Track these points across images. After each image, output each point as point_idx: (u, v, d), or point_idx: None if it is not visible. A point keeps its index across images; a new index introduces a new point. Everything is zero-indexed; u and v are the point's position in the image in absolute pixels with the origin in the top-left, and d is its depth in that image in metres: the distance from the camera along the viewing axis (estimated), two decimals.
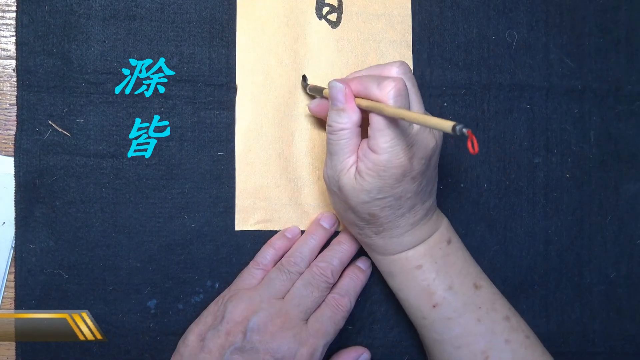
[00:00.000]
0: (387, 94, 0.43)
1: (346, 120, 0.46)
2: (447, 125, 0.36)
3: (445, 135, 0.56)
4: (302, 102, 0.55)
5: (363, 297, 0.55)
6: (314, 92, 0.53)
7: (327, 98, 0.50)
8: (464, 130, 0.35)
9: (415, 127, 0.45)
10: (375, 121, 0.44)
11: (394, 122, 0.43)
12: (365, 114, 0.46)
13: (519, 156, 0.57)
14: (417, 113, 0.40)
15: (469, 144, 0.36)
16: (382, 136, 0.44)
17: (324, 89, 0.51)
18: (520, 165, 0.57)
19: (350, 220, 0.50)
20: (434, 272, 0.49)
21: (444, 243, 0.50)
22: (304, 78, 0.55)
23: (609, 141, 0.59)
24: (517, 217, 0.57)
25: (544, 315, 0.57)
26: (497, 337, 0.49)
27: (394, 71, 0.46)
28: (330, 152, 0.47)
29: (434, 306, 0.49)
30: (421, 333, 0.52)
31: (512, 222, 0.57)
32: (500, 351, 0.49)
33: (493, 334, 0.49)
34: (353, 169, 0.46)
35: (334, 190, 0.48)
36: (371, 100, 0.44)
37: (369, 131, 0.45)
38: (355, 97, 0.46)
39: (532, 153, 0.58)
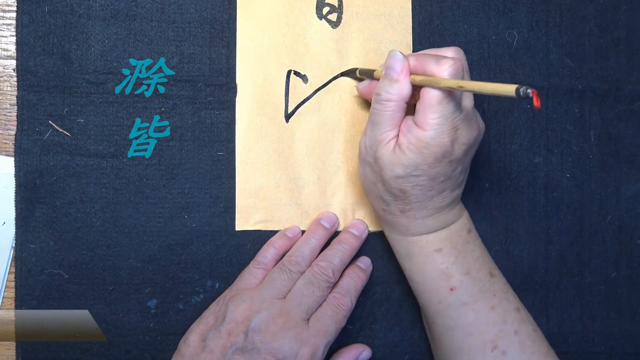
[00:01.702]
0: (444, 71, 0.44)
1: (396, 91, 0.46)
2: (510, 88, 0.36)
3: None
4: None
5: (363, 297, 0.55)
6: (364, 75, 0.53)
7: (377, 79, 0.49)
8: (529, 91, 0.35)
9: (465, 109, 0.45)
10: (428, 97, 0.44)
11: (446, 99, 0.43)
12: (414, 91, 0.46)
13: (519, 156, 0.57)
14: (476, 82, 0.40)
15: (535, 102, 0.35)
16: (432, 112, 0.44)
17: (375, 70, 0.51)
18: (520, 165, 0.57)
19: (377, 194, 0.49)
20: (453, 257, 0.50)
21: (464, 231, 0.51)
22: (350, 71, 0.55)
23: (609, 141, 0.59)
24: (517, 217, 0.57)
25: (544, 315, 0.57)
26: (508, 327, 0.50)
27: (450, 54, 0.47)
28: (372, 122, 0.47)
29: (451, 289, 0.49)
30: (432, 320, 0.52)
31: (513, 222, 0.57)
32: (509, 342, 0.49)
33: (504, 323, 0.50)
34: (393, 142, 0.46)
35: (368, 160, 0.48)
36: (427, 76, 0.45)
37: (418, 106, 0.45)
38: (411, 74, 0.46)
39: (532, 153, 0.58)
